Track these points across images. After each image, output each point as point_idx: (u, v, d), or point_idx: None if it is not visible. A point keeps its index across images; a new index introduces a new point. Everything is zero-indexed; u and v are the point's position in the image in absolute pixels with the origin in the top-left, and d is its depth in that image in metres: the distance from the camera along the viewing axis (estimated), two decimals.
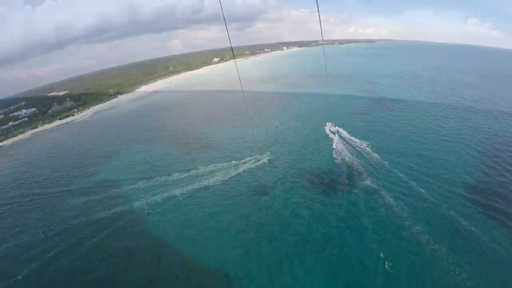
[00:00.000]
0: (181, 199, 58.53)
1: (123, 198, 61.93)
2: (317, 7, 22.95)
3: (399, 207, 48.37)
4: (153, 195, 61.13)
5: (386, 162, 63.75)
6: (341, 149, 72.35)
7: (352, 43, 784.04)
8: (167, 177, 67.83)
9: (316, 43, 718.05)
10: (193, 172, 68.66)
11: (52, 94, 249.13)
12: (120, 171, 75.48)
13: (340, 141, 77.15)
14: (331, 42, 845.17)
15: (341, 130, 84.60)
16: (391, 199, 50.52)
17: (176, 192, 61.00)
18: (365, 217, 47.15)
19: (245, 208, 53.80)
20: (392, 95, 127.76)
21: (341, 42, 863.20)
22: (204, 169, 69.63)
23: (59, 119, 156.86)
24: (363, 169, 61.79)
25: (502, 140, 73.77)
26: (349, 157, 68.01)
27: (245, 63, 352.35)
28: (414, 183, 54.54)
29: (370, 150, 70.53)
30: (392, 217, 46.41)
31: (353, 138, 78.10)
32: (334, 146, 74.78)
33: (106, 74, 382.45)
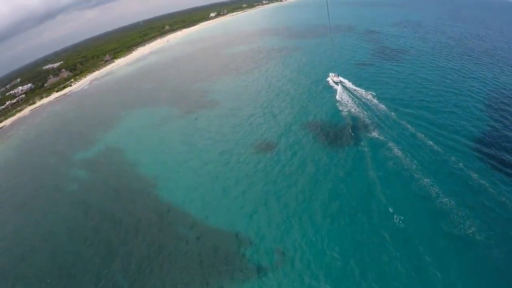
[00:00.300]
0: (185, 160, 58.63)
1: (128, 166, 61.72)
2: None
3: (407, 159, 46.32)
4: (156, 160, 61.13)
5: (393, 113, 60.53)
6: (346, 100, 69.06)
7: None
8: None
9: None
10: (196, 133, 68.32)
11: (47, 67, 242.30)
12: (123, 138, 75.29)
13: (344, 92, 73.51)
14: None
15: (345, 80, 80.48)
16: (399, 152, 48.37)
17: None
18: (372, 170, 45.56)
19: (251, 165, 52.86)
20: (396, 45, 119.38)
21: None
22: (207, 127, 69.93)
23: (57, 91, 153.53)
24: (369, 121, 59.01)
25: (509, 94, 69.03)
26: (354, 109, 64.83)
27: (244, 17, 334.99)
28: (422, 135, 51.84)
29: (376, 100, 66.74)
30: (400, 170, 44.64)
31: (357, 89, 74.02)
32: (337, 97, 71.38)
33: (101, 40, 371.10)
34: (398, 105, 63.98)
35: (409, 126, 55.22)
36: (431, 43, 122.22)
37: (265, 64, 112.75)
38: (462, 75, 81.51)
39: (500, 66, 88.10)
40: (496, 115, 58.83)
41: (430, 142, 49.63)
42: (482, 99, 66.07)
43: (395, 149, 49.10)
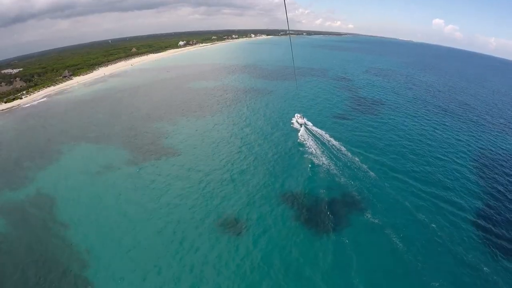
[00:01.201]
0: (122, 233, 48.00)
1: (58, 225, 51.09)
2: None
3: (401, 248, 42.97)
4: (91, 225, 50.45)
5: (378, 179, 59.58)
6: (322, 162, 65.67)
7: (321, 35, 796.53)
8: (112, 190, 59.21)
9: (284, 32, 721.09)
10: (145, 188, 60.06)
11: (6, 71, 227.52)
12: (58, 182, 64.70)
13: (318, 151, 70.86)
14: (300, 33, 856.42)
15: (320, 135, 79.49)
16: (391, 237, 44.88)
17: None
18: (357, 274, 39.27)
19: (200, 254, 43.08)
20: (371, 96, 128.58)
21: (309, 33, 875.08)
22: (151, 183, 61.29)
23: (5, 102, 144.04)
24: (351, 190, 55.59)
25: (495, 157, 77.04)
26: (332, 171, 61.69)
27: (212, 49, 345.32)
28: (421, 214, 50.16)
29: (358, 163, 65.18)
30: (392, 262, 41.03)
31: (335, 145, 73.31)
32: (312, 159, 67.69)
33: (67, 52, 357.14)
34: (382, 169, 63.73)
35: (396, 195, 54.39)
36: (406, 95, 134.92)
37: (228, 106, 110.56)
38: (443, 133, 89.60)
39: (479, 122, 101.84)
40: (487, 186, 61.87)
41: (433, 226, 47.67)
42: (467, 163, 70.90)
43: (380, 230, 46.11)
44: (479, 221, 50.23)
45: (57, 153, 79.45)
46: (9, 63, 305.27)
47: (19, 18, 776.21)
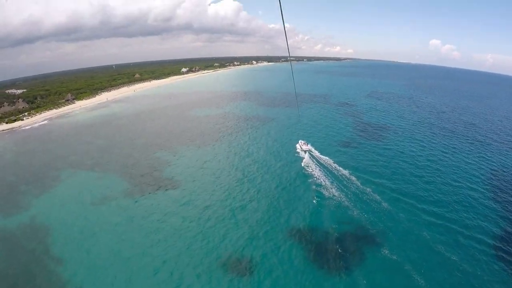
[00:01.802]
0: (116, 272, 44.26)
1: (51, 260, 47.89)
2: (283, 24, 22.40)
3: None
4: (84, 263, 46.67)
5: (391, 208, 56.89)
6: (329, 194, 62.42)
7: (321, 61, 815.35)
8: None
9: (285, 58, 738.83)
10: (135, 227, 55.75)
11: (10, 91, 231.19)
12: (54, 211, 62.10)
13: (325, 181, 67.73)
14: (300, 59, 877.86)
15: (326, 163, 77.17)
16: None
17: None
18: None
19: None
20: (375, 121, 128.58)
21: (309, 59, 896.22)
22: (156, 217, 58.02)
23: (7, 122, 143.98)
24: (366, 226, 52.19)
25: (507, 178, 75.99)
26: (341, 204, 58.68)
27: (214, 76, 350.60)
28: (431, 241, 48.07)
29: (370, 193, 62.26)
30: None
31: (343, 173, 70.26)
32: (315, 187, 65.43)
33: (72, 75, 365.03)
34: (395, 198, 60.89)
35: (408, 224, 52.02)
36: (410, 119, 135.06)
37: (229, 135, 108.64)
38: (452, 156, 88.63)
39: (486, 141, 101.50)
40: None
41: (454, 258, 44.66)
42: (482, 188, 68.98)
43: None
44: (500, 251, 47.59)
45: (54, 179, 77.11)
46: (14, 83, 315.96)
47: (26, 40, 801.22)
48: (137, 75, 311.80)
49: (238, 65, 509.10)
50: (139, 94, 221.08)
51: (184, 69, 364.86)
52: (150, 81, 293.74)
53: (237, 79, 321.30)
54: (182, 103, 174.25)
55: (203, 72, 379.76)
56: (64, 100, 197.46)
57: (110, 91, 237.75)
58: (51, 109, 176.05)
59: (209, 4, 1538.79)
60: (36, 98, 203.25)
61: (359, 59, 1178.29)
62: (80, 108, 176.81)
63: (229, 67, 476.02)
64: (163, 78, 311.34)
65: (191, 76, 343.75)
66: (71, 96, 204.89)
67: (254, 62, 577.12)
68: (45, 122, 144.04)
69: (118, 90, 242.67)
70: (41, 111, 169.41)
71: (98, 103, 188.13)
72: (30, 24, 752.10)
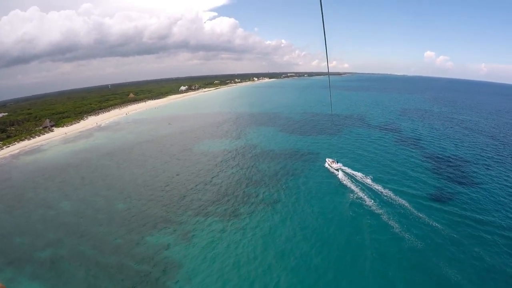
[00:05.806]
0: None
1: None
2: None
3: None
4: None
5: None
6: None
7: (321, 76, 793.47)
8: None
9: (285, 74, 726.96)
10: None
11: None
12: None
13: None
14: (301, 74, 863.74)
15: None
16: None
17: None
18: None
19: None
20: (439, 151, 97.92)
21: (310, 74, 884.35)
22: None
23: None
24: None
25: None
26: None
27: (216, 94, 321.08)
28: None
29: None
30: None
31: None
32: None
33: (64, 96, 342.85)
34: None
35: None
36: (475, 147, 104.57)
37: (255, 193, 69.37)
38: None
39: None
40: None
41: None
42: None
43: None
44: None
45: None
46: (4, 105, 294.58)
47: (21, 59, 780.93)
48: (131, 95, 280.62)
49: (239, 82, 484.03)
50: (131, 118, 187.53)
51: (183, 87, 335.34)
52: (145, 101, 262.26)
53: (242, 97, 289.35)
54: (184, 131, 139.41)
55: (204, 90, 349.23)
56: (41, 128, 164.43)
57: (98, 114, 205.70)
58: (22, 139, 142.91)
59: (205, 22, 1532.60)
60: (11, 125, 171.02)
61: (356, 73, 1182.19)
62: (57, 138, 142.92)
63: (230, 84, 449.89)
64: (160, 98, 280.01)
65: (191, 94, 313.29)
66: (50, 122, 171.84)
67: (256, 79, 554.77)
68: (6, 161, 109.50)
69: (108, 113, 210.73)
70: (11, 143, 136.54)
71: (80, 131, 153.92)
72: (25, 42, 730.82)
